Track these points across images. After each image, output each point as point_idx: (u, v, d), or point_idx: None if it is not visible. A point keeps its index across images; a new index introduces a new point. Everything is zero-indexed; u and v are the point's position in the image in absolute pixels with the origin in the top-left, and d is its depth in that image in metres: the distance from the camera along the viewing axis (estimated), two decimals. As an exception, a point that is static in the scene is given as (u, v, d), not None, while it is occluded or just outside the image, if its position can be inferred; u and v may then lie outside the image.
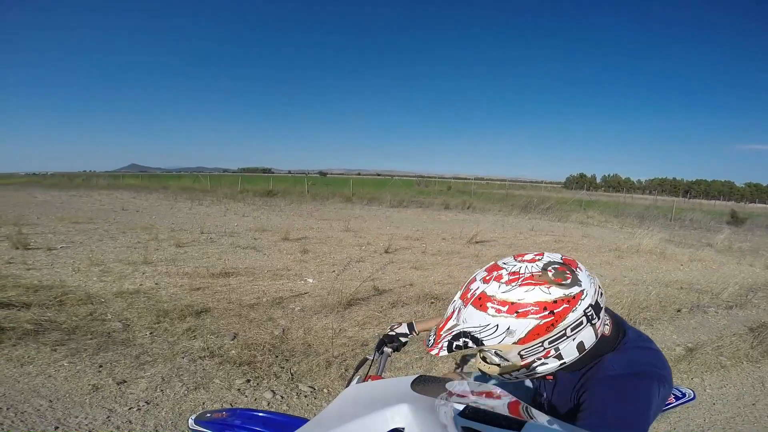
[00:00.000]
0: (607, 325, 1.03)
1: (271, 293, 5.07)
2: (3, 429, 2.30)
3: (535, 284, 0.90)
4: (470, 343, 0.94)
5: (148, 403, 2.62)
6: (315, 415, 2.53)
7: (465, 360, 3.13)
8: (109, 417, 2.45)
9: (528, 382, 1.63)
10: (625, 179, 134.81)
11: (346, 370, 3.16)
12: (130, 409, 2.55)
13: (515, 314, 0.88)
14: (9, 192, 24.24)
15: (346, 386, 1.30)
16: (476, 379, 1.53)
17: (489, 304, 0.91)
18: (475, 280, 0.98)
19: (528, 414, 0.96)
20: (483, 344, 0.92)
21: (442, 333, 0.98)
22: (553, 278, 0.91)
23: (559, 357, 0.94)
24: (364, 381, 1.38)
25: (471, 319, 0.93)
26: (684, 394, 1.76)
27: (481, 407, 0.80)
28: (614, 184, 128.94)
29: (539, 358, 0.94)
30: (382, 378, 1.38)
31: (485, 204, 21.25)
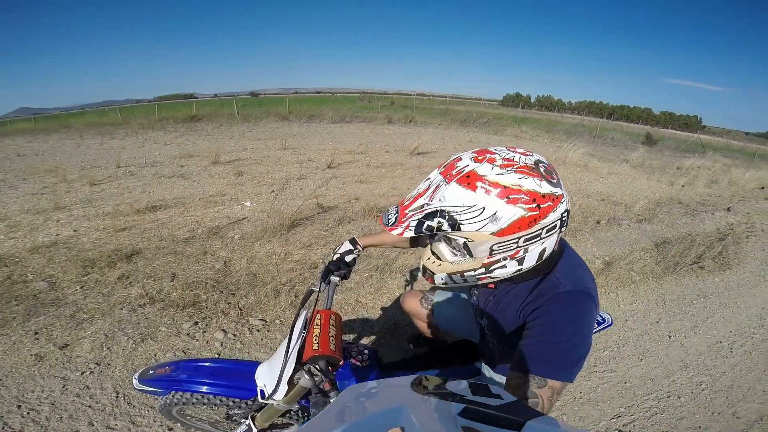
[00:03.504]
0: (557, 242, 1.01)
1: (206, 223, 4.82)
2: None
3: (529, 174, 0.85)
4: (444, 225, 0.86)
5: (98, 365, 2.49)
6: (271, 350, 2.55)
7: (414, 276, 3.20)
8: (64, 386, 2.33)
9: (464, 300, 1.63)
10: (557, 100, 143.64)
11: (296, 296, 3.15)
12: (82, 373, 2.42)
13: (505, 199, 0.83)
14: None
15: (293, 322, 1.23)
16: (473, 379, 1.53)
17: (479, 183, 0.84)
18: (461, 159, 0.90)
19: (528, 414, 0.96)
20: (459, 228, 0.86)
21: (407, 211, 0.90)
22: (544, 173, 0.87)
23: (521, 261, 0.91)
24: (312, 314, 1.32)
25: (453, 197, 0.85)
26: (604, 320, 1.84)
27: (481, 407, 0.75)
28: (547, 104, 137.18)
29: (504, 258, 0.90)
30: (332, 312, 1.32)
31: (427, 118, 21.43)
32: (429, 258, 1.04)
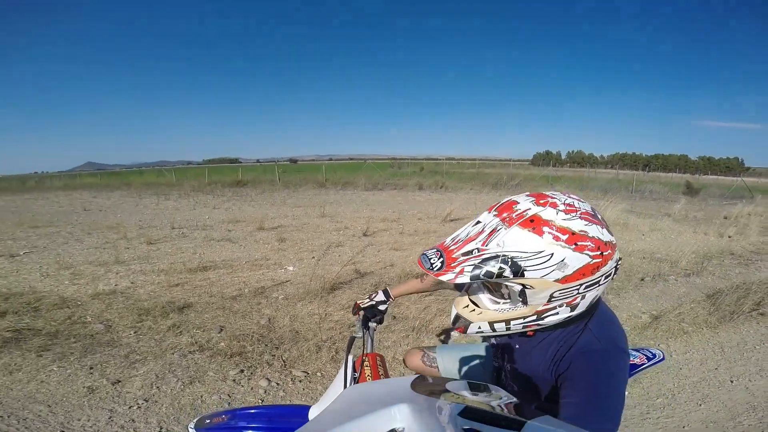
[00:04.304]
0: None
1: (253, 284, 5.07)
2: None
3: (592, 221, 0.84)
4: (507, 271, 0.82)
5: (146, 401, 2.63)
6: (312, 399, 2.62)
7: (448, 334, 3.24)
8: (111, 417, 2.46)
9: (484, 349, 1.61)
10: (589, 155, 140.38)
11: (336, 352, 3.25)
12: (129, 408, 2.56)
13: (574, 246, 0.81)
14: (-45, 199, 22.78)
15: (344, 366, 1.33)
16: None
17: (546, 229, 0.81)
18: (518, 202, 0.88)
19: (528, 414, 0.99)
20: (523, 274, 0.82)
21: (455, 256, 0.85)
22: (601, 221, 0.87)
23: (574, 307, 0.88)
24: (360, 359, 1.43)
25: (516, 242, 0.81)
26: (654, 355, 1.84)
27: (481, 407, 0.77)
28: (578, 160, 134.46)
29: (561, 305, 0.87)
30: (377, 355, 1.44)
31: (457, 183, 21.51)
32: (467, 306, 0.98)
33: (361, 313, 1.62)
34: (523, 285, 0.84)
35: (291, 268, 5.74)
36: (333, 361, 3.13)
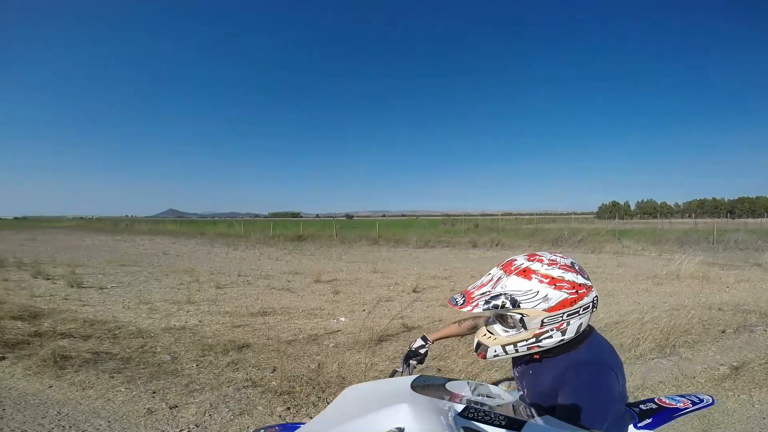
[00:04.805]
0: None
1: (307, 331, 5.29)
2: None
3: (569, 270, 1.18)
4: (507, 304, 1.14)
5: (197, 426, 2.83)
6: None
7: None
8: None
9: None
10: (661, 204, 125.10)
11: (379, 400, 3.30)
12: (181, 431, 2.77)
13: (554, 286, 1.14)
14: (60, 235, 26.02)
15: None
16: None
17: (533, 276, 1.15)
18: (516, 260, 1.23)
19: (528, 414, 1.04)
20: (519, 306, 1.14)
21: (473, 296, 1.18)
22: (578, 270, 1.20)
23: (564, 332, 1.16)
24: None
25: (514, 285, 1.15)
26: (701, 400, 1.79)
27: (481, 407, 0.85)
28: (650, 210, 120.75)
29: (551, 329, 1.16)
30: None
31: (514, 240, 20.91)
32: (485, 335, 1.27)
33: (404, 351, 1.77)
34: (521, 314, 1.15)
35: (343, 319, 5.91)
36: (375, 409, 3.18)
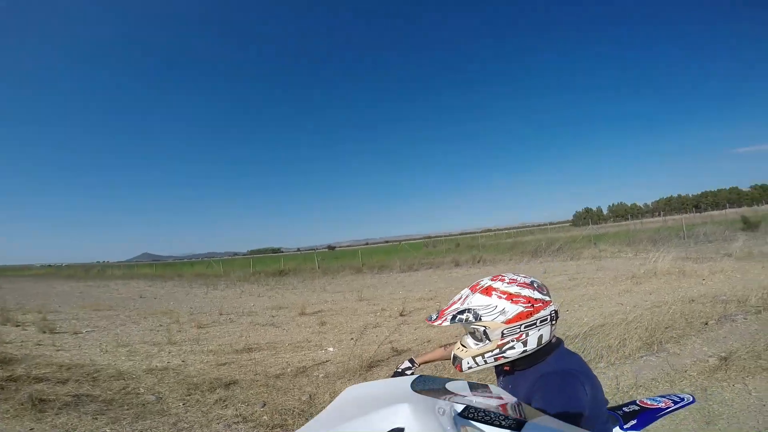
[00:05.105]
0: (554, 336, 1.38)
1: (295, 364, 5.18)
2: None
3: (526, 287, 1.31)
4: (471, 317, 1.27)
5: (189, 465, 2.73)
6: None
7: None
8: None
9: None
10: (632, 205, 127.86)
11: (375, 425, 3.24)
12: (172, 470, 2.66)
13: (510, 300, 1.27)
14: (28, 283, 24.83)
15: None
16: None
17: (494, 293, 1.29)
18: (481, 280, 1.38)
19: (527, 414, 1.05)
20: (481, 319, 1.27)
21: (445, 312, 1.32)
22: (537, 287, 1.33)
23: (525, 343, 1.28)
24: None
25: (477, 301, 1.29)
26: (682, 399, 1.86)
27: (481, 407, 0.83)
28: (621, 212, 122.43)
29: (512, 340, 1.27)
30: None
31: (495, 255, 21.10)
32: (459, 348, 1.40)
33: (390, 373, 1.80)
34: (483, 326, 1.28)
35: (331, 349, 5.82)
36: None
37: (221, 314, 9.60)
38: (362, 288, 12.84)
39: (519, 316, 1.25)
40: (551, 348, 1.35)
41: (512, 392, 1.35)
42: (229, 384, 4.37)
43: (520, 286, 1.30)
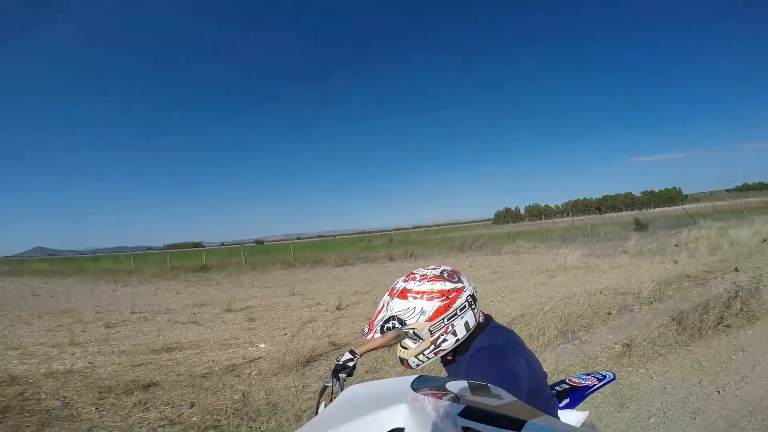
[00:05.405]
0: (481, 316, 1.43)
1: (223, 362, 4.85)
2: None
3: (437, 280, 1.33)
4: (397, 324, 1.29)
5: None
6: None
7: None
8: None
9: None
10: (545, 206, 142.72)
11: (318, 420, 3.12)
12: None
13: (425, 298, 1.29)
14: None
15: (315, 413, 1.43)
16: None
17: (409, 294, 1.31)
18: (397, 283, 1.39)
19: (528, 413, 1.05)
20: (405, 323, 1.28)
21: (374, 324, 1.33)
22: (447, 277, 1.35)
23: (454, 333, 1.31)
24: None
25: (397, 306, 1.30)
26: (605, 377, 2.01)
27: (481, 407, 0.81)
28: (536, 212, 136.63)
29: (442, 334, 1.30)
30: None
31: (425, 250, 21.83)
32: (400, 350, 1.40)
33: (331, 366, 1.76)
34: (411, 329, 1.30)
35: (263, 346, 5.55)
36: (316, 428, 3.00)
37: (133, 312, 8.75)
38: (295, 283, 12.46)
39: (438, 312, 1.28)
40: (481, 328, 1.40)
41: (456, 376, 1.40)
42: (148, 386, 3.97)
43: (432, 281, 1.32)
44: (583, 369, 3.94)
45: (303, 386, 3.87)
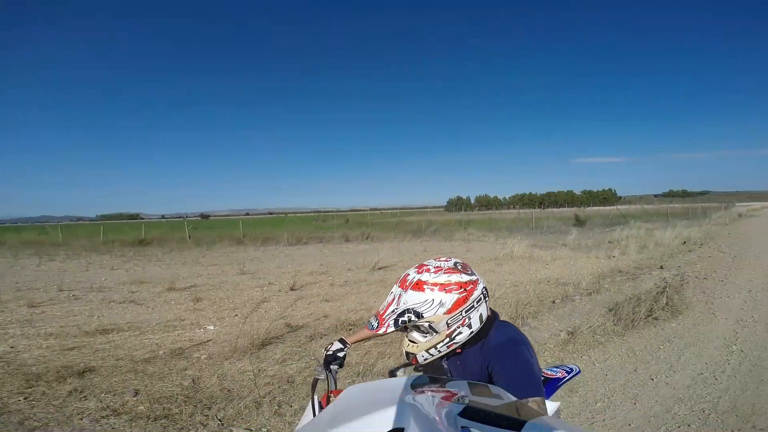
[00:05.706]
0: (489, 309, 1.42)
1: (167, 345, 4.57)
2: None
3: (453, 272, 1.30)
4: (413, 317, 1.25)
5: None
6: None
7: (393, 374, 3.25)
8: None
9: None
10: (494, 197, 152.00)
11: (279, 407, 2.99)
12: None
13: (444, 291, 1.26)
14: None
15: (311, 405, 1.36)
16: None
17: (425, 286, 1.26)
18: (409, 274, 1.34)
19: (528, 413, 1.04)
20: (423, 316, 1.25)
21: (384, 316, 1.29)
22: (461, 269, 1.33)
23: (470, 326, 1.30)
24: (326, 396, 1.45)
25: (412, 299, 1.26)
26: (572, 369, 2.09)
27: (482, 407, 0.82)
28: (485, 203, 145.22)
29: (458, 327, 1.29)
30: (342, 390, 1.44)
31: (382, 233, 21.94)
32: (408, 345, 1.37)
33: (322, 358, 1.67)
34: (428, 322, 1.27)
35: (211, 328, 5.28)
36: (277, 416, 2.88)
37: (61, 290, 8.03)
38: (244, 261, 11.95)
39: (457, 304, 1.26)
40: (491, 321, 1.40)
41: (463, 370, 1.40)
42: (83, 372, 3.66)
43: (448, 273, 1.29)
44: (537, 356, 4.10)
45: (259, 370, 3.71)
